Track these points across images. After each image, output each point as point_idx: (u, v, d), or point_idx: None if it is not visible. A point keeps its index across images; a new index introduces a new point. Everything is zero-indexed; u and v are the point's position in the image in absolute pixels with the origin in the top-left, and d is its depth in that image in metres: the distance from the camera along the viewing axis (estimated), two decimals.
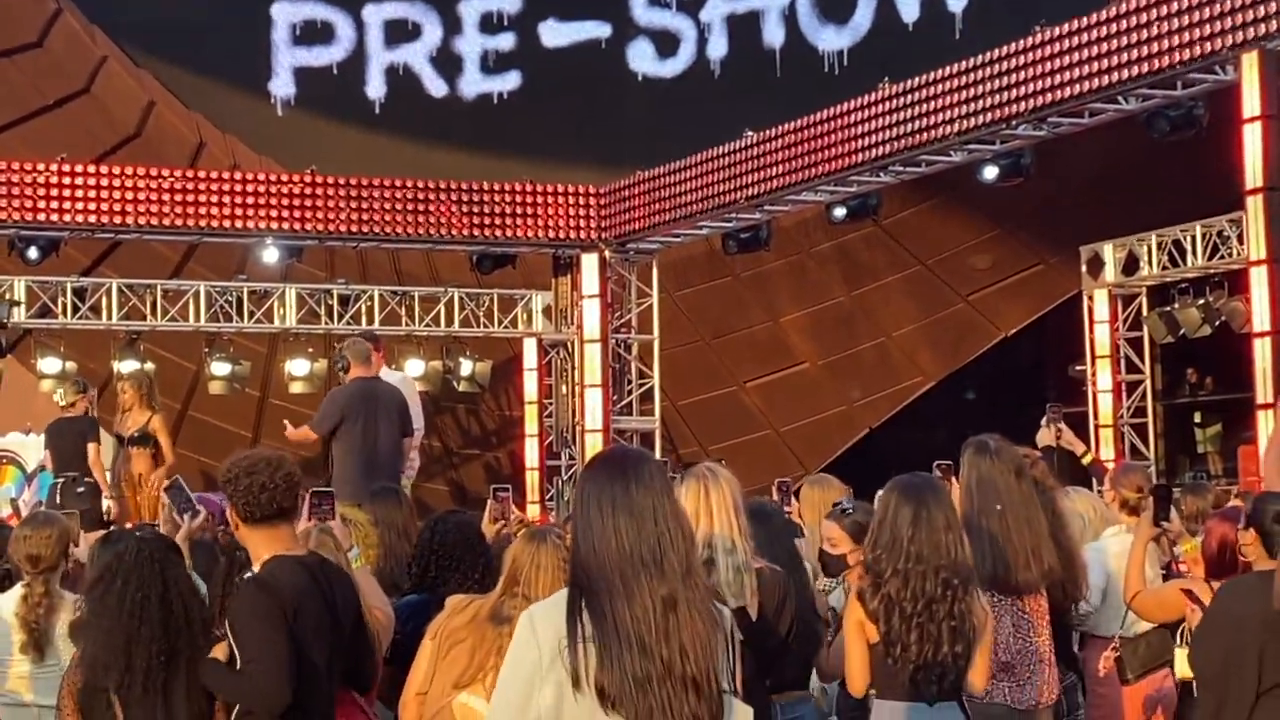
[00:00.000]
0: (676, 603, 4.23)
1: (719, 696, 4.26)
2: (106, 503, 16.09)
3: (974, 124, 16.41)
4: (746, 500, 7.58)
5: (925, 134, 16.80)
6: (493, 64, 24.57)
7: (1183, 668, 7.04)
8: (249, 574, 5.97)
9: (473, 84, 24.60)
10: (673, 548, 4.28)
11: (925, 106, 16.77)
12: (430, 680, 6.19)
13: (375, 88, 24.53)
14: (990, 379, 24.01)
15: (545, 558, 6.22)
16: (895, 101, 17.09)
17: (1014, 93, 16.02)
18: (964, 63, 16.51)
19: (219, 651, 5.85)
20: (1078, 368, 22.49)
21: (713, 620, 4.28)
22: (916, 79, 16.96)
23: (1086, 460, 11.07)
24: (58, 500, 14.45)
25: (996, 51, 16.21)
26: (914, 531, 6.39)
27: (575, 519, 4.37)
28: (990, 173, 17.07)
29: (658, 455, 20.57)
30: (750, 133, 18.78)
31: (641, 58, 24.48)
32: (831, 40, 23.92)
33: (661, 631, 4.20)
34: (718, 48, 24.27)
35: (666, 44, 24.52)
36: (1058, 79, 15.67)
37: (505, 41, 24.86)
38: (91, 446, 15.49)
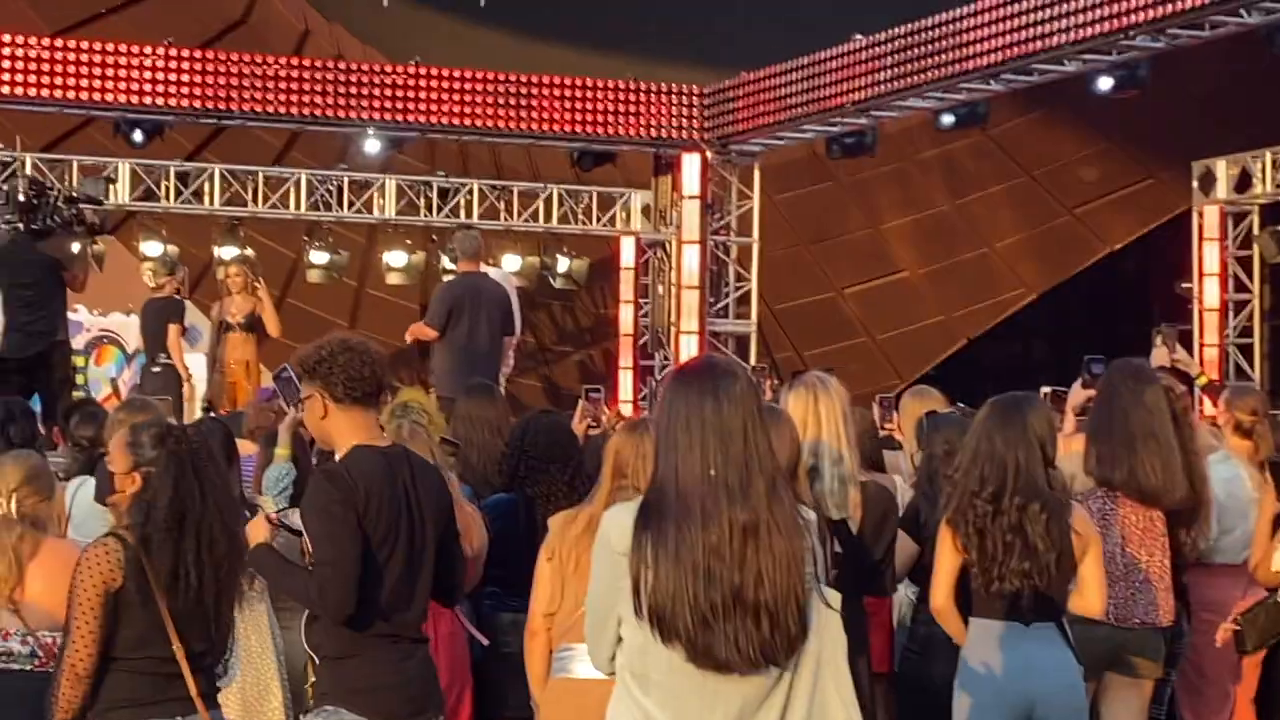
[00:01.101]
0: (758, 527, 4.05)
1: (801, 617, 4.09)
2: (200, 386, 16.23)
3: (1090, 33, 16.05)
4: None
5: (1039, 42, 16.45)
6: None
7: None
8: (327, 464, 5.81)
9: None
10: (760, 470, 4.10)
11: (1040, 14, 16.41)
12: (557, 600, 6.06)
13: None
14: (1094, 294, 23.73)
15: (649, 447, 6.14)
16: (1010, 8, 16.73)
17: (1132, 2, 15.66)
18: None
19: (259, 532, 5.62)
20: (1184, 285, 22.15)
21: (798, 535, 4.10)
22: None
23: (1201, 382, 10.86)
24: (137, 382, 14.61)
25: None
26: (1003, 451, 6.35)
27: (658, 433, 4.17)
28: (1105, 84, 16.74)
29: (753, 359, 20.53)
30: (859, 36, 18.50)
31: None
32: None
33: (737, 559, 4.03)
34: None
35: None
36: None
37: None
38: (172, 328, 15.60)
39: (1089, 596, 6.46)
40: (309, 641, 5.56)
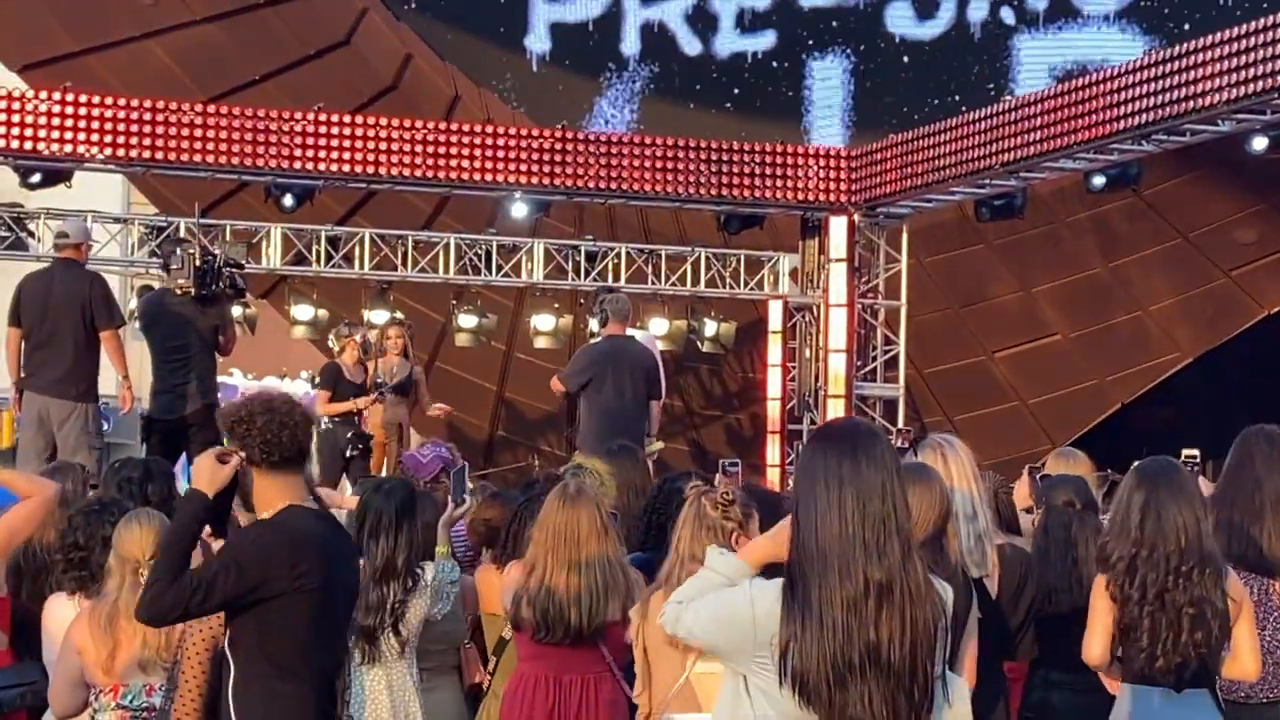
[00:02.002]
0: (893, 587, 4.10)
1: (927, 686, 4.15)
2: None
3: (1243, 92, 15.77)
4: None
5: (1191, 102, 16.21)
6: (748, 23, 24.36)
7: None
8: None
9: (727, 42, 24.44)
10: (897, 530, 4.16)
11: (1193, 74, 16.17)
12: (644, 685, 6.01)
13: (630, 45, 24.48)
14: (1250, 358, 23.26)
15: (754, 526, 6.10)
16: (1161, 68, 16.51)
17: None
18: (1235, 29, 15.87)
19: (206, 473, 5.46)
20: None
21: (932, 605, 4.17)
22: (1184, 45, 16.39)
23: None
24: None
25: (1268, 19, 15.57)
26: (1143, 518, 6.32)
27: (798, 493, 4.25)
28: (1259, 143, 16.51)
29: (900, 423, 20.36)
30: (1009, 96, 18.35)
31: (900, 19, 24.09)
32: (1097, 4, 23.29)
33: (872, 617, 4.08)
34: (978, 10, 23.78)
35: (925, 6, 24.07)
36: None
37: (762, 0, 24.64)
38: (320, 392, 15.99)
39: (1244, 661, 6.39)
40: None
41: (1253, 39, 15.66)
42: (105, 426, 14.51)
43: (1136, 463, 6.69)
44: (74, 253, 13.69)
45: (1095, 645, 6.41)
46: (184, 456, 13.49)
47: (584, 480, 7.43)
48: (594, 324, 15.60)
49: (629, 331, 15.40)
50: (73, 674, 6.31)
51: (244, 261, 15.33)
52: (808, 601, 4.12)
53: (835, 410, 20.51)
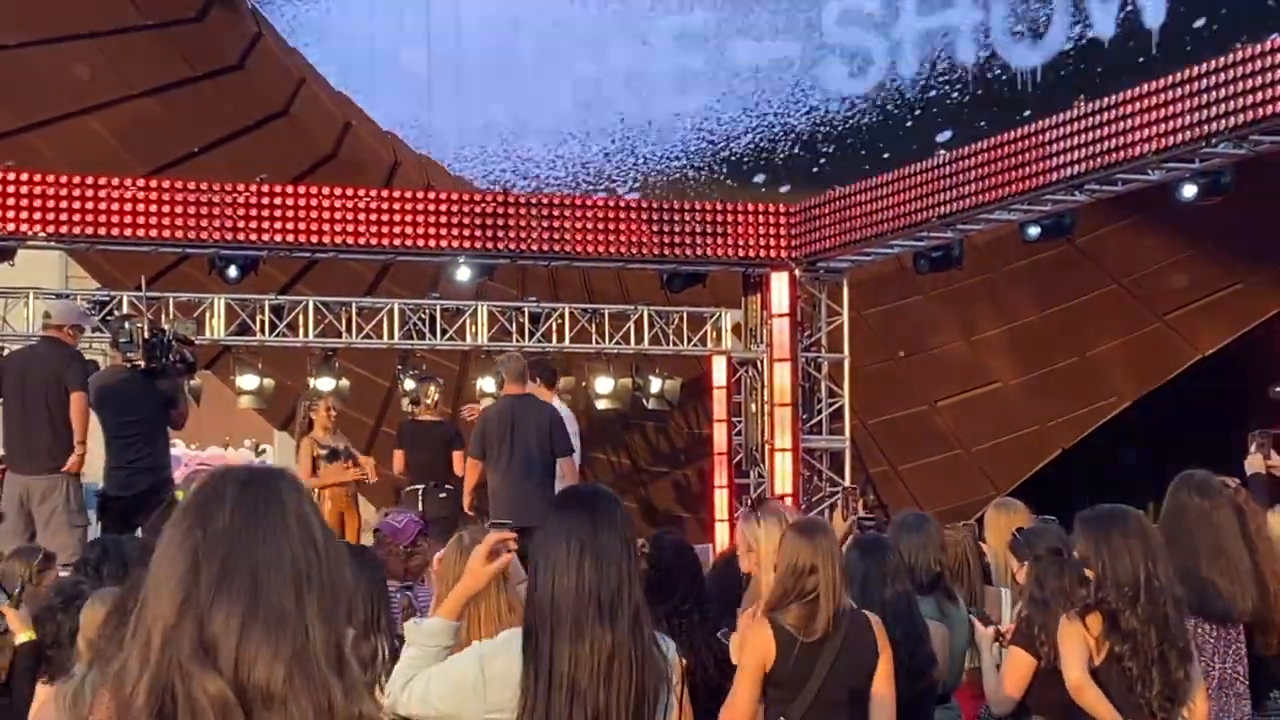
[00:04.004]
0: (622, 650, 4.29)
1: None
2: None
3: (1172, 142, 16.09)
4: (862, 534, 7.68)
5: (1121, 152, 16.52)
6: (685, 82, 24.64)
7: None
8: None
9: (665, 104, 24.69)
10: (629, 596, 4.35)
11: (1122, 125, 16.48)
12: None
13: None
14: (1187, 400, 23.56)
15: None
16: (1091, 120, 16.83)
17: (1213, 110, 15.68)
18: (1161, 80, 16.20)
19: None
20: (1277, 389, 21.98)
21: (656, 670, 4.36)
22: (1112, 97, 16.69)
23: None
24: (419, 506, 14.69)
25: (1195, 69, 15.90)
26: (1151, 564, 6.42)
27: (539, 554, 4.41)
28: (1189, 191, 16.76)
29: (847, 474, 20.55)
30: (943, 152, 18.62)
31: (832, 76, 24.39)
32: (1025, 58, 23.64)
33: (603, 677, 4.26)
34: (909, 66, 24.10)
35: (858, 64, 24.39)
36: (1259, 96, 15.31)
37: (696, 60, 24.88)
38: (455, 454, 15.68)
39: (1200, 704, 6.52)
40: None
41: (1179, 90, 15.98)
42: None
43: (1089, 511, 6.81)
44: (58, 333, 13.72)
45: (1075, 670, 6.51)
46: (139, 532, 13.52)
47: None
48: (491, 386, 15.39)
49: (547, 393, 15.34)
50: None
51: (193, 338, 15.35)
52: (546, 659, 4.29)
53: (782, 464, 20.68)
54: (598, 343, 21.04)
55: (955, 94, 23.32)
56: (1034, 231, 18.53)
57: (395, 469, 16.15)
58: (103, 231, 18.79)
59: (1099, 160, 16.75)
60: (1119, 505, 6.97)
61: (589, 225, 20.08)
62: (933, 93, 23.72)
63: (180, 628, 2.23)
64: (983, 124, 19.10)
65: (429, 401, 16.60)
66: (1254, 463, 10.81)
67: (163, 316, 18.63)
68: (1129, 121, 16.41)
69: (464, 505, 14.40)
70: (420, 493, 15.82)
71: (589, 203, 20.21)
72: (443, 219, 19.68)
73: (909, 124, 22.70)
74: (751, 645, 6.45)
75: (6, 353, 14.34)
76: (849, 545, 7.61)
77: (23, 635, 6.47)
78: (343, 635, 2.32)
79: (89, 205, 18.64)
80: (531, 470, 13.76)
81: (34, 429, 13.23)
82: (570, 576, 4.31)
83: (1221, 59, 15.64)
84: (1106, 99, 16.73)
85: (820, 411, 21.20)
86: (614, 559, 4.34)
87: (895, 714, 6.52)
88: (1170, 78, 16.11)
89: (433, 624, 4.72)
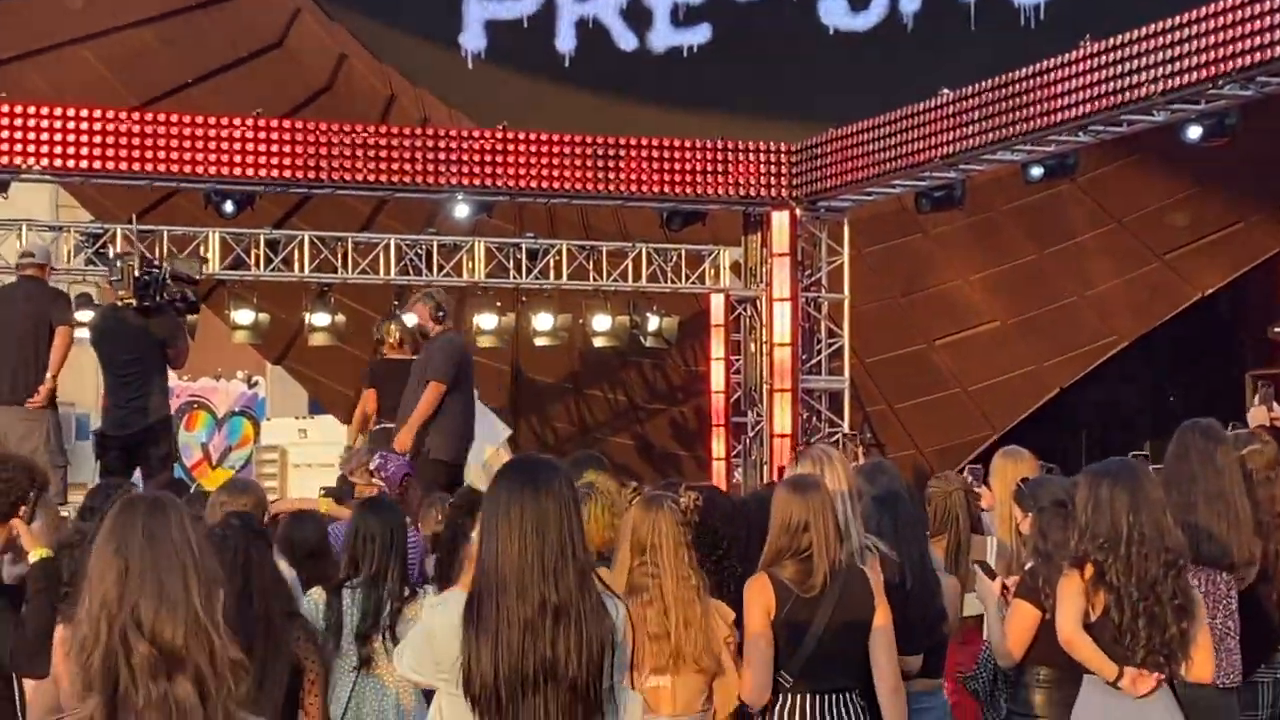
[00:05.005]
0: (568, 608, 4.53)
1: (598, 695, 4.58)
2: None
3: (1178, 83, 15.97)
4: (883, 484, 7.64)
5: (1127, 94, 16.39)
6: (683, 17, 24.36)
7: None
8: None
9: (662, 37, 24.42)
10: (574, 556, 4.58)
11: (1128, 65, 16.35)
12: None
13: (565, 41, 24.40)
14: (1185, 340, 23.54)
15: (665, 524, 6.39)
16: (1096, 60, 16.67)
17: (1220, 51, 15.56)
18: (1168, 20, 16.05)
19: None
20: (1276, 329, 21.98)
21: (601, 624, 4.59)
22: (1119, 37, 16.53)
23: None
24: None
25: (1203, 9, 15.74)
26: (1134, 517, 6.41)
27: (484, 522, 4.66)
28: (1194, 133, 16.68)
29: (846, 414, 20.52)
30: (946, 90, 18.45)
31: (833, 11, 24.13)
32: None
33: (548, 635, 4.51)
34: (911, 3, 23.86)
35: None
36: (1267, 38, 15.19)
37: None
38: None
39: (1201, 664, 6.49)
40: None
41: (1186, 30, 15.83)
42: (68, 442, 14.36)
43: (1098, 464, 6.79)
44: (38, 271, 13.67)
45: (1068, 622, 6.48)
46: (139, 471, 13.46)
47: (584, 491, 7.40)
48: (412, 321, 14.85)
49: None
50: (48, 701, 6.26)
51: (197, 275, 15.18)
52: (484, 620, 4.52)
53: (782, 404, 20.62)
54: (595, 280, 20.91)
55: (957, 30, 23.09)
56: (1037, 172, 18.42)
57: (369, 408, 15.92)
58: (97, 165, 18.64)
59: (1105, 101, 16.62)
60: (1126, 458, 6.93)
61: (587, 162, 19.91)
62: (934, 29, 23.51)
63: (119, 614, 3.46)
64: (985, 62, 18.82)
65: (392, 340, 16.27)
66: (1257, 415, 10.79)
67: (157, 250, 18.51)
68: (1135, 62, 16.28)
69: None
70: (390, 431, 15.67)
71: (587, 139, 20.01)
72: (441, 155, 19.53)
73: (910, 61, 22.47)
74: (754, 598, 6.48)
75: None
76: (867, 496, 7.56)
77: (36, 552, 6.41)
78: (215, 608, 3.56)
79: (84, 138, 18.49)
80: (478, 407, 14.26)
81: (12, 365, 13.16)
82: (513, 544, 4.54)
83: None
84: (1112, 39, 16.56)
85: (820, 352, 21.11)
86: (554, 523, 4.56)
87: (895, 653, 6.58)
88: (1178, 18, 15.96)
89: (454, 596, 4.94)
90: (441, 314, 14.09)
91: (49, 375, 13.23)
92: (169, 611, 3.45)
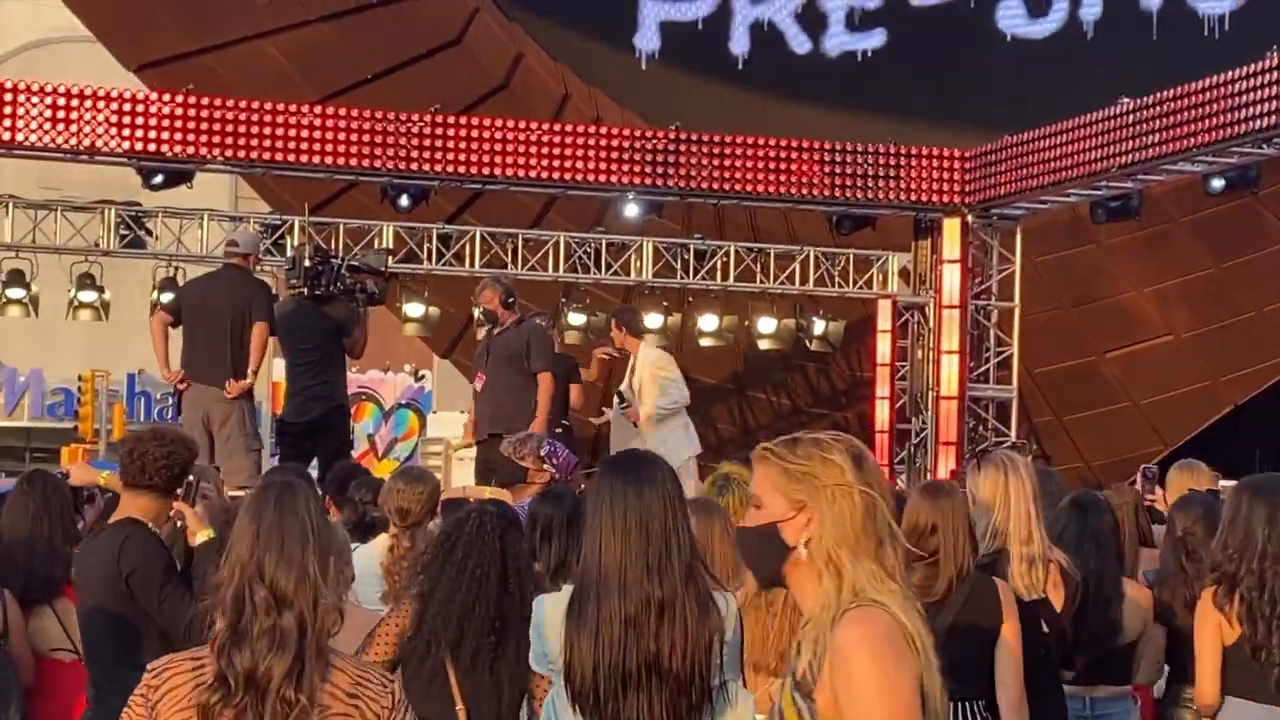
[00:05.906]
0: (673, 605, 4.52)
1: (705, 691, 4.56)
2: None
3: None
4: (1078, 490, 7.56)
5: None
6: (858, 21, 24.28)
7: None
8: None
9: (837, 41, 24.36)
10: (678, 550, 4.57)
11: None
12: None
13: (739, 43, 24.41)
14: None
15: (718, 529, 6.34)
16: None
17: None
18: None
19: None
20: None
21: (708, 619, 4.57)
22: None
23: None
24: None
25: None
26: (1270, 530, 6.32)
27: (587, 518, 4.68)
28: None
29: (1014, 424, 20.32)
30: (1126, 99, 18.21)
31: (1011, 18, 23.93)
32: (1213, 4, 23.05)
33: (652, 631, 4.50)
34: (1091, 9, 23.58)
35: (1037, 4, 23.91)
36: None
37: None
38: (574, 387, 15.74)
39: None
40: None
41: None
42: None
43: (1246, 477, 6.72)
44: (243, 261, 13.89)
45: (1207, 685, 6.40)
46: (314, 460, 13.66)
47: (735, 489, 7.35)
48: (482, 313, 14.90)
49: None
50: None
51: (384, 268, 15.34)
52: (585, 617, 4.54)
53: (948, 411, 20.48)
54: (762, 282, 20.91)
55: (1138, 39, 22.79)
56: (1218, 184, 18.14)
57: None
58: (278, 157, 18.97)
59: None
60: (1275, 473, 6.84)
61: (758, 164, 19.90)
62: (1115, 38, 23.22)
63: (249, 564, 4.26)
64: (1167, 72, 18.57)
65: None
66: None
67: (333, 242, 18.81)
68: None
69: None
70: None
71: (759, 141, 20.00)
72: (613, 154, 19.62)
73: (1090, 69, 22.22)
74: None
75: (185, 280, 14.44)
76: (1064, 502, 7.51)
77: (201, 534, 6.64)
78: (326, 566, 4.29)
79: (266, 130, 18.83)
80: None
81: (213, 351, 13.35)
82: (616, 541, 4.56)
83: None
84: None
85: (988, 360, 20.95)
86: (658, 519, 4.57)
87: (1019, 668, 6.41)
88: None
89: None
90: (511, 300, 14.25)
91: (250, 371, 13.39)
92: (285, 566, 4.23)
